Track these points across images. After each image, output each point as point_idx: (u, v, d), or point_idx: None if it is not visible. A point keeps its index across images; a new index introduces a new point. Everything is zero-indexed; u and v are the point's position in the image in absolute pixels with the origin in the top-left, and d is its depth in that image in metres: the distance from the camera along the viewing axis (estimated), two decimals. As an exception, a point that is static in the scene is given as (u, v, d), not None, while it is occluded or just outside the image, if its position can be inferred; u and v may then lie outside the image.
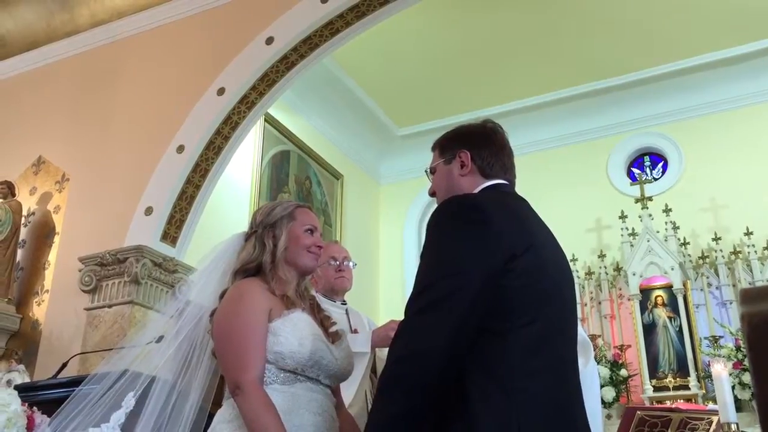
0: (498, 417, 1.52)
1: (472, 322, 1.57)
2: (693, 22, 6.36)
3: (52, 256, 5.03)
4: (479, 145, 1.93)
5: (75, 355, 3.93)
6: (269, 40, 4.91)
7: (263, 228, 2.14)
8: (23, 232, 5.13)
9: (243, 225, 5.64)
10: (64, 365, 3.51)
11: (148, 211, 4.75)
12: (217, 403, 2.06)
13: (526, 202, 1.89)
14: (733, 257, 6.28)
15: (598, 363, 5.62)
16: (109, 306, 4.58)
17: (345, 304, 3.33)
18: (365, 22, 4.86)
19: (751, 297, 0.87)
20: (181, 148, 4.85)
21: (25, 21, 5.75)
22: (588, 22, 6.36)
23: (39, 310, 4.89)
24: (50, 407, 2.46)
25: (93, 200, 5.02)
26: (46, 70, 5.84)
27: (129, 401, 2.02)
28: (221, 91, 4.92)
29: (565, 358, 1.73)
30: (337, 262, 3.26)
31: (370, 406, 2.42)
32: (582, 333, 2.65)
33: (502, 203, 1.78)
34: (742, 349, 5.66)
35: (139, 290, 4.58)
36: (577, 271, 6.67)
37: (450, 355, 1.54)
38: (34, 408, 2.66)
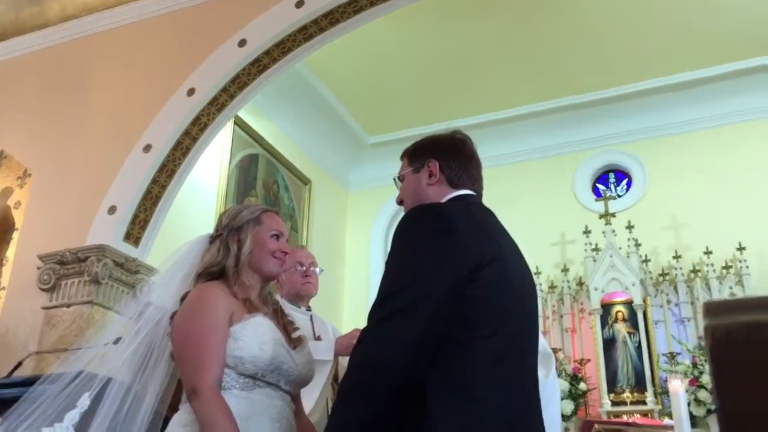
0: (458, 425, 1.53)
1: (435, 331, 1.57)
2: (661, 44, 6.49)
3: (11, 252, 4.92)
4: (448, 155, 1.94)
5: (30, 354, 3.86)
6: (242, 43, 4.88)
7: (228, 231, 2.12)
8: (-19, 227, 5.02)
9: (208, 227, 5.58)
10: (19, 364, 3.44)
11: (112, 210, 4.68)
12: (173, 408, 2.03)
13: (493, 213, 1.91)
14: (692, 275, 6.40)
15: (558, 376, 5.67)
16: (68, 305, 4.50)
17: (310, 310, 3.31)
18: (339, 29, 4.86)
19: (714, 310, 0.89)
20: (147, 148, 4.79)
21: (-7, 12, 5.64)
22: (561, 40, 6.45)
23: (-6, 307, 4.78)
24: (2, 407, 2.40)
25: (55, 197, 4.92)
26: (12, 62, 5.73)
27: (84, 401, 1.99)
28: (191, 92, 4.88)
29: (526, 370, 1.74)
30: (304, 268, 3.25)
31: (330, 414, 2.41)
32: (544, 344, 2.67)
33: (468, 213, 1.79)
34: (698, 366, 5.77)
35: (99, 290, 4.50)
36: (541, 285, 6.73)
37: (411, 364, 1.55)
38: (-15, 407, 2.59)
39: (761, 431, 0.83)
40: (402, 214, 1.86)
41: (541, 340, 2.65)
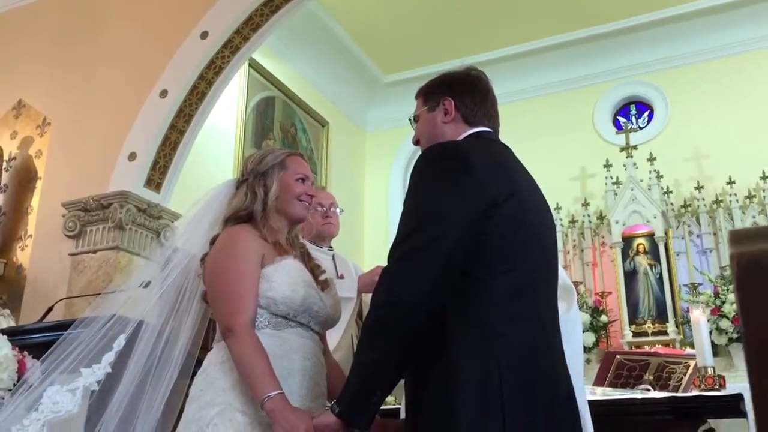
0: (478, 360, 1.56)
1: (454, 269, 1.59)
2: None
3: (35, 201, 4.98)
4: (463, 92, 1.92)
5: (60, 300, 3.94)
6: (254, -17, 4.80)
7: (254, 176, 2.13)
8: (4, 177, 5.07)
9: (227, 172, 5.64)
10: (50, 309, 3.53)
11: (132, 156, 4.70)
12: (204, 348, 2.09)
13: (510, 150, 1.90)
14: (714, 206, 6.36)
15: (579, 309, 5.72)
16: (94, 252, 4.57)
17: (332, 250, 3.35)
18: (352, -35, 4.76)
19: (740, 238, 0.90)
20: (164, 93, 4.78)
21: (2, -40, 5.58)
22: (577, -32, 6.27)
23: (23, 255, 4.87)
24: (37, 351, 2.48)
25: (75, 145, 4.95)
26: (24, 11, 5.69)
27: (120, 343, 2.04)
28: (204, 35, 4.83)
29: (545, 304, 1.76)
30: (324, 209, 3.27)
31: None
32: (566, 279, 2.69)
33: (485, 151, 1.78)
34: (720, 296, 5.78)
35: (124, 236, 4.56)
36: (561, 220, 6.72)
37: (431, 301, 1.58)
38: (24, 352, 2.68)
39: None
40: (419, 153, 1.85)
41: (562, 274, 2.66)
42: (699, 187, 6.45)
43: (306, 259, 2.16)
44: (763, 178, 6.24)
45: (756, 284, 0.86)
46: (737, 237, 0.89)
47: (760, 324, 0.86)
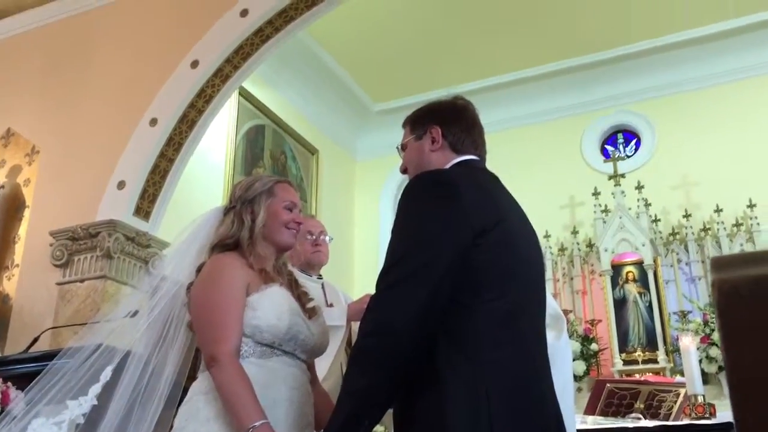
0: (467, 388, 1.55)
1: (442, 296, 1.59)
2: (665, 1, 6.39)
3: (23, 230, 4.96)
4: (450, 121, 1.93)
5: (47, 330, 3.90)
6: (244, 13, 4.84)
7: (242, 203, 2.13)
8: (-8, 206, 5.05)
9: (217, 200, 5.63)
10: (36, 340, 3.49)
11: (121, 185, 4.70)
12: (191, 378, 2.07)
13: (497, 177, 1.91)
14: (702, 234, 6.39)
15: (570, 337, 5.71)
16: (81, 281, 4.54)
17: (321, 278, 3.34)
18: (341, -4, 4.82)
19: (722, 265, 0.91)
20: (154, 122, 4.79)
21: (-7, -11, 5.61)
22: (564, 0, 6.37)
23: (9, 285, 4.83)
24: (22, 381, 2.45)
25: (64, 173, 4.95)
26: (15, 41, 5.71)
27: (107, 374, 2.02)
28: (195, 64, 4.86)
29: (533, 331, 1.76)
30: (314, 237, 3.26)
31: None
32: (555, 307, 2.69)
33: (472, 178, 1.79)
34: (709, 324, 5.79)
35: (112, 265, 4.54)
36: (550, 247, 6.74)
37: (419, 329, 1.57)
38: (9, 383, 2.64)
39: None
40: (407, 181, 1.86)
41: (552, 302, 2.66)
42: (687, 215, 6.48)
43: (293, 286, 2.14)
44: (750, 206, 6.29)
45: (737, 311, 0.87)
46: (718, 264, 0.91)
47: (741, 350, 0.87)
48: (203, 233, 2.15)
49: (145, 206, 4.74)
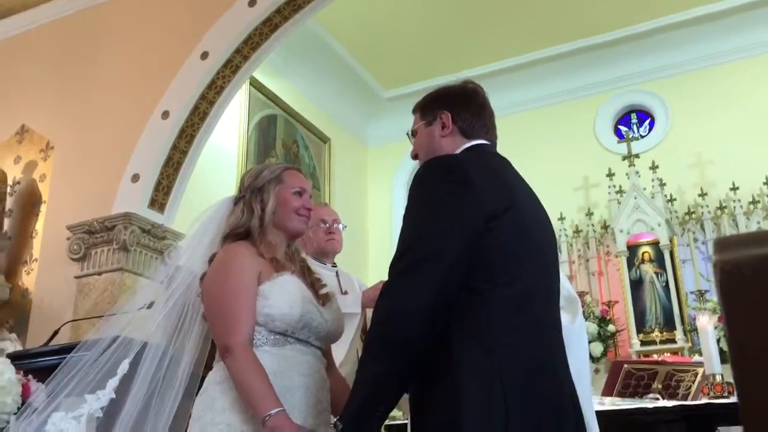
0: (480, 372, 1.55)
1: (454, 282, 1.59)
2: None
3: (40, 224, 5.01)
4: (460, 105, 1.93)
5: (66, 323, 3.94)
6: (252, 2, 4.84)
7: (251, 192, 2.13)
8: (9, 202, 5.10)
9: (230, 190, 5.64)
10: (56, 333, 3.52)
11: (135, 178, 4.72)
12: (208, 367, 2.08)
13: (508, 161, 1.90)
14: (719, 212, 6.34)
15: (586, 319, 5.70)
16: (99, 273, 4.58)
17: (335, 266, 3.35)
18: (349, -18, 4.80)
19: (723, 245, 0.91)
20: (165, 114, 4.81)
21: (2, -14, 5.64)
22: (574, -21, 6.30)
23: (28, 279, 4.88)
24: (43, 375, 2.48)
25: (79, 168, 4.98)
26: (26, 37, 5.74)
27: (124, 367, 2.04)
28: (205, 56, 4.87)
29: (547, 315, 1.75)
30: (327, 225, 3.27)
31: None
32: (569, 289, 2.68)
33: (483, 163, 1.79)
34: (727, 302, 5.74)
35: (129, 257, 4.57)
36: (565, 230, 6.72)
37: (432, 315, 1.57)
38: (29, 376, 2.68)
39: None
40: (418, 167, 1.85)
41: (566, 285, 2.66)
42: (702, 194, 6.43)
43: (306, 273, 2.15)
44: (767, 183, 6.23)
45: (740, 291, 0.87)
46: (721, 244, 0.91)
47: (744, 330, 0.87)
48: (214, 223, 2.16)
49: (159, 198, 4.77)
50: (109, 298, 4.44)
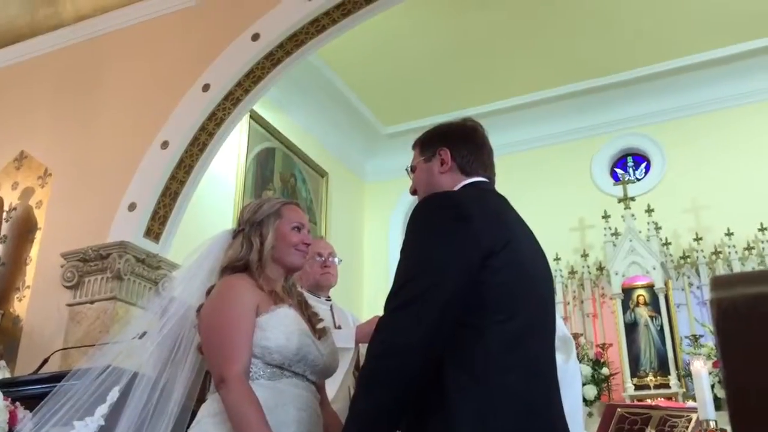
0: (475, 410, 1.54)
1: (450, 318, 1.59)
2: (677, 24, 6.43)
3: (34, 251, 4.99)
4: (459, 142, 1.94)
5: (57, 351, 3.91)
6: (255, 37, 4.90)
7: (250, 226, 2.14)
8: (4, 227, 5.09)
9: (227, 222, 5.66)
10: (46, 361, 3.49)
11: (132, 207, 4.73)
12: (200, 401, 2.06)
13: (505, 199, 1.91)
14: (714, 257, 6.35)
15: (580, 361, 5.67)
16: (92, 302, 4.56)
17: (330, 300, 3.34)
18: (351, 20, 4.87)
19: (720, 284, 0.92)
20: (165, 144, 4.83)
21: (9, 14, 5.70)
22: (573, 23, 6.40)
23: (20, 306, 4.85)
24: (32, 403, 2.45)
25: (75, 196, 4.99)
26: (29, 64, 5.79)
27: (114, 395, 2.02)
28: (206, 88, 4.91)
29: (542, 354, 1.75)
30: (323, 258, 3.27)
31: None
32: (564, 329, 2.68)
33: (481, 200, 1.80)
34: (722, 348, 5.72)
35: (122, 286, 4.55)
36: (560, 270, 6.72)
37: (426, 351, 1.56)
38: (16, 403, 2.65)
39: (766, 401, 0.85)
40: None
41: (561, 325, 2.65)
42: (698, 239, 6.45)
43: (303, 307, 2.15)
44: (762, 229, 6.26)
45: (735, 329, 0.88)
46: (718, 282, 0.91)
47: (740, 369, 0.87)
48: (212, 256, 2.16)
49: (155, 228, 4.77)
50: (100, 327, 4.41)
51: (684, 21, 6.38)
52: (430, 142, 1.98)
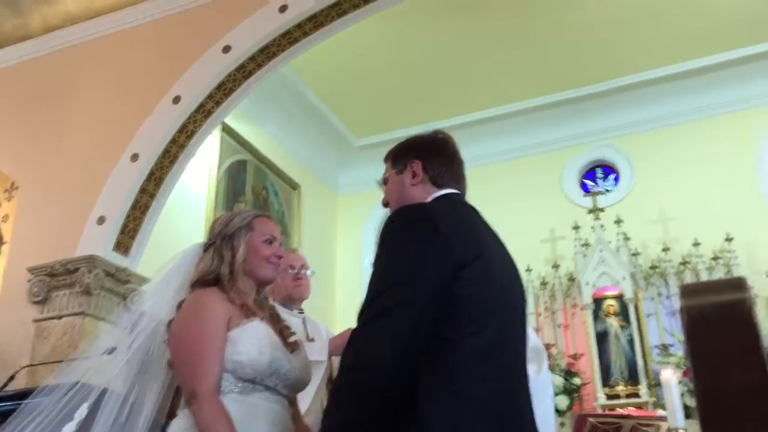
0: (448, 421, 1.55)
1: (422, 330, 1.59)
2: (645, 38, 6.54)
3: (0, 266, 4.90)
4: (430, 155, 1.96)
5: (23, 367, 3.84)
6: (226, 49, 4.88)
7: (221, 239, 2.13)
8: (-30, 242, 5.00)
9: (198, 235, 5.60)
10: (12, 378, 3.43)
11: (101, 220, 4.67)
12: (171, 416, 2.04)
13: (477, 211, 1.92)
14: (682, 267, 6.44)
15: (552, 372, 5.70)
16: (59, 317, 4.48)
17: (302, 312, 3.32)
18: (323, 32, 4.87)
19: (690, 292, 0.94)
20: (135, 157, 4.78)
21: (-25, 25, 5.62)
22: (543, 36, 6.48)
23: (-15, 322, 4.75)
24: (-3, 421, 2.40)
25: (43, 209, 4.91)
26: (-5, 75, 5.71)
27: (82, 412, 1.98)
28: (177, 100, 4.87)
29: (515, 365, 1.76)
30: (295, 271, 3.26)
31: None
32: (535, 340, 2.70)
33: (452, 212, 1.81)
34: (691, 357, 5.79)
35: (91, 301, 4.48)
36: (532, 281, 6.76)
37: (399, 363, 1.56)
38: (-19, 422, 2.59)
39: (735, 405, 0.87)
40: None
41: (532, 336, 2.67)
42: (666, 249, 6.55)
43: (275, 320, 2.14)
44: (728, 239, 6.36)
45: (704, 335, 0.90)
46: (687, 291, 0.94)
47: (709, 373, 0.89)
48: (183, 270, 2.14)
49: (125, 242, 4.71)
50: (68, 343, 4.34)
51: (652, 35, 6.50)
52: (402, 155, 1.99)
